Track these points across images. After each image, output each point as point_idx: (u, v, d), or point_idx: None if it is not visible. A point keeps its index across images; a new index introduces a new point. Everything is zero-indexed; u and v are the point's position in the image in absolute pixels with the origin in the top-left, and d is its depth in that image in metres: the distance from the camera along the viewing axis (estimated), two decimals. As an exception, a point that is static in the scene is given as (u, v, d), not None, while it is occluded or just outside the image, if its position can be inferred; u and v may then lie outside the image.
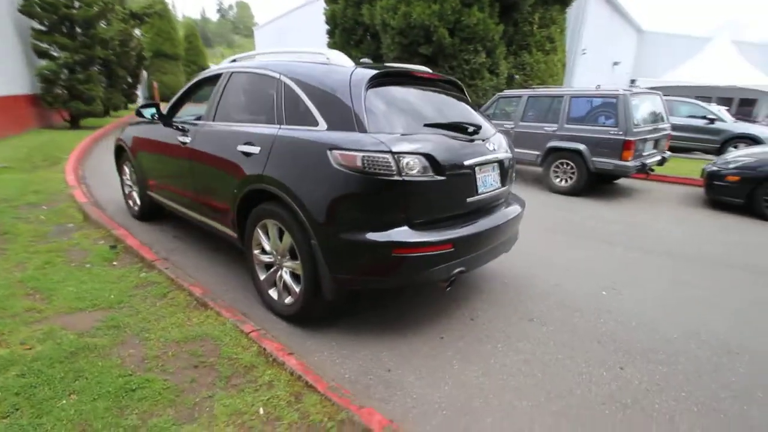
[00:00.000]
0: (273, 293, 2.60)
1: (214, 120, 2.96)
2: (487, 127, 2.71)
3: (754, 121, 12.55)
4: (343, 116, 2.17)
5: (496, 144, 2.61)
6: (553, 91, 6.23)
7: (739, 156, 5.37)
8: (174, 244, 3.73)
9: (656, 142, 5.95)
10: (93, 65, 11.17)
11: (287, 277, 2.45)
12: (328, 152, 2.08)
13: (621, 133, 5.35)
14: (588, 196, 6.02)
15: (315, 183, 2.15)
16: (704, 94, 14.82)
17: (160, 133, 3.55)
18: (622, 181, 7.05)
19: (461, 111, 2.68)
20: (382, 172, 2.01)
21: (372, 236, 2.06)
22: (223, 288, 2.90)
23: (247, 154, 2.49)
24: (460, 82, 2.96)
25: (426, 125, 2.29)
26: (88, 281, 2.84)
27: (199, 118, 3.87)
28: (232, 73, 2.95)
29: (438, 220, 2.22)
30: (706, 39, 18.17)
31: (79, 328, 2.26)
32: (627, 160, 5.37)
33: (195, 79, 3.42)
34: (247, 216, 2.63)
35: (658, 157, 5.98)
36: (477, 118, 2.74)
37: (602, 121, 5.62)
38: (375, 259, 2.11)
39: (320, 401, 1.75)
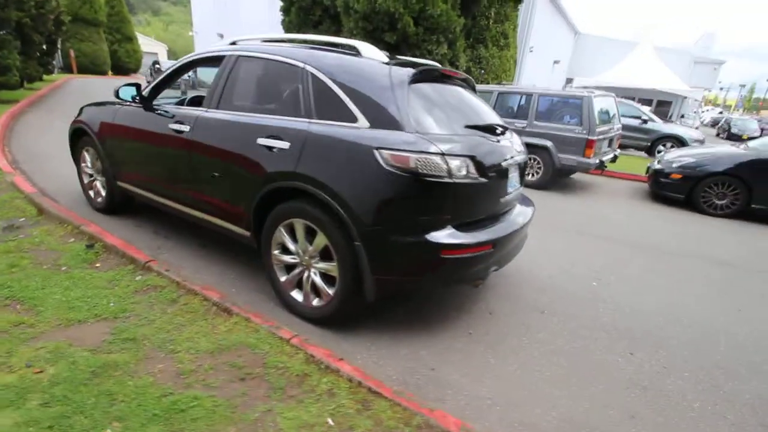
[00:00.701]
0: (296, 295, 2.50)
1: (218, 108, 2.72)
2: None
3: (670, 122, 14.19)
4: (387, 114, 2.11)
5: (516, 143, 2.70)
6: (522, 89, 6.53)
7: (680, 156, 6.08)
8: (157, 241, 3.40)
9: (610, 141, 6.53)
10: (5, 29, 9.57)
11: (317, 279, 2.36)
12: (376, 152, 2.02)
13: (585, 131, 5.79)
14: (552, 190, 6.46)
15: (361, 183, 2.08)
16: (629, 95, 16.41)
17: (139, 118, 3.19)
18: (577, 177, 7.66)
19: (483, 109, 2.73)
20: (433, 174, 2.00)
21: (421, 238, 2.05)
22: (230, 290, 2.72)
23: (271, 149, 2.34)
24: (473, 80, 3.00)
25: (466, 126, 2.31)
26: (73, 287, 2.52)
27: (182, 103, 3.55)
28: (240, 57, 2.71)
29: (478, 221, 2.27)
30: (633, 43, 20.05)
31: (88, 344, 2.01)
32: (589, 157, 5.84)
33: (186, 60, 3.10)
34: (264, 214, 2.48)
35: (611, 155, 6.57)
36: (497, 116, 2.81)
37: (567, 120, 6.03)
38: (422, 260, 2.11)
39: (390, 407, 1.74)
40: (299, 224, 2.34)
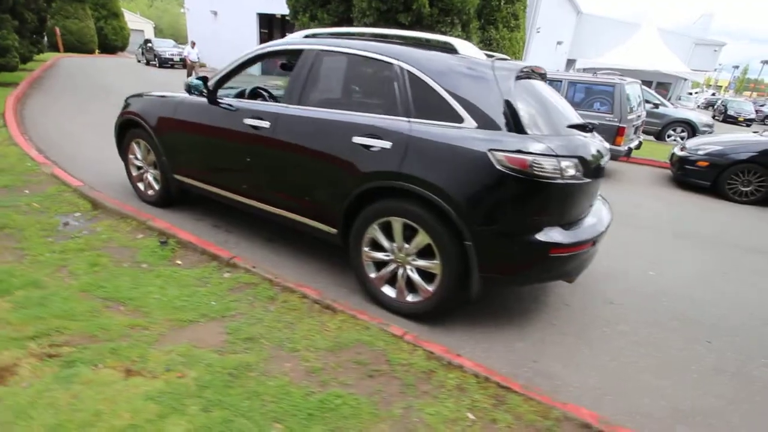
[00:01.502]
0: (388, 291, 2.55)
1: (299, 104, 2.69)
2: None
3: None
4: (495, 115, 2.13)
5: (601, 140, 2.74)
6: (552, 75, 6.51)
7: (706, 143, 6.20)
8: (221, 235, 3.40)
9: (636, 128, 6.61)
10: (3, 8, 9.11)
11: (415, 276, 2.42)
12: (490, 154, 2.05)
13: (616, 119, 5.85)
14: (578, 176, 6.55)
15: (472, 184, 2.11)
16: (631, 77, 16.47)
17: (206, 113, 3.13)
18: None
19: (567, 105, 2.76)
20: (547, 175, 2.04)
21: (532, 237, 2.11)
22: (315, 285, 2.76)
23: (369, 148, 2.34)
24: (546, 73, 3.00)
25: (569, 126, 2.34)
26: (166, 286, 2.53)
27: (241, 95, 3.48)
28: (321, 51, 2.67)
29: (578, 219, 2.33)
30: (634, 24, 19.98)
31: (211, 345, 2.04)
32: (620, 145, 5.92)
33: (255, 52, 3.02)
34: (353, 211, 2.51)
35: (637, 141, 6.66)
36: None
37: (597, 107, 6.07)
38: (531, 258, 2.18)
39: (524, 401, 1.83)
40: (397, 222, 2.37)
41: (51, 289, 2.35)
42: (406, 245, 2.39)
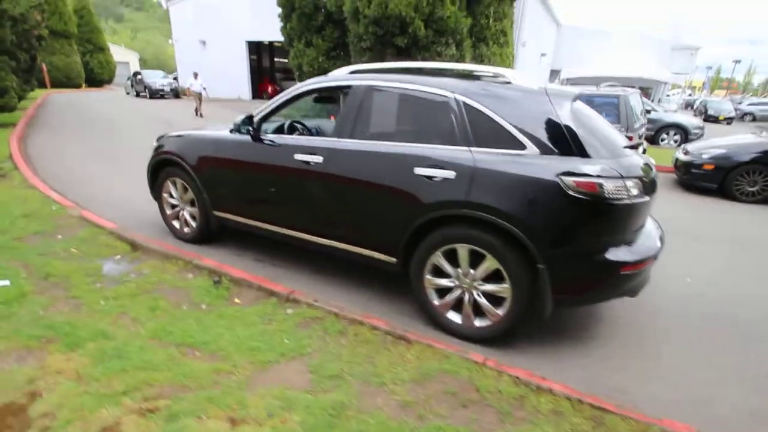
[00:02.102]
0: (453, 317, 2.59)
1: (352, 137, 2.76)
2: None
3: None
4: (558, 140, 2.22)
5: (647, 157, 2.85)
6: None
7: (708, 147, 6.44)
8: (267, 269, 3.40)
9: (640, 136, 6.83)
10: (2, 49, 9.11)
11: (483, 301, 2.46)
12: (559, 179, 2.13)
13: (623, 129, 6.05)
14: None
15: (543, 209, 2.19)
16: (614, 83, 17.05)
17: (251, 151, 3.18)
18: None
19: (609, 124, 2.88)
20: (615, 196, 2.13)
21: (603, 257, 2.18)
22: (375, 312, 2.77)
23: (431, 178, 2.41)
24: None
25: (625, 147, 2.45)
26: (232, 326, 2.52)
27: (280, 130, 3.53)
28: (372, 87, 2.76)
29: (637, 236, 2.42)
30: (612, 33, 20.76)
31: (300, 385, 2.04)
32: (628, 153, 6.11)
33: (300, 89, 3.09)
34: (413, 240, 2.56)
35: (642, 149, 6.87)
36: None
37: (604, 118, 6.26)
38: (602, 278, 2.24)
39: (621, 420, 1.86)
40: (463, 249, 2.42)
41: (121, 339, 2.33)
42: (472, 271, 2.44)
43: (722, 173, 6.01)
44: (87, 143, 8.39)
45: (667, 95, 26.22)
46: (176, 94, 21.63)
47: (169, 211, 3.95)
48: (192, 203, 3.73)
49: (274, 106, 3.17)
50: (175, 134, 3.80)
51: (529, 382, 2.07)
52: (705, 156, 6.23)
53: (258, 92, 23.50)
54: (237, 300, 2.86)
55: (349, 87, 2.85)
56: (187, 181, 3.64)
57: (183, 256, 3.35)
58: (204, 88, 14.84)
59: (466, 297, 2.51)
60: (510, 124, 2.31)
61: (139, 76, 21.83)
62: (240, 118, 3.13)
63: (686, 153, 6.61)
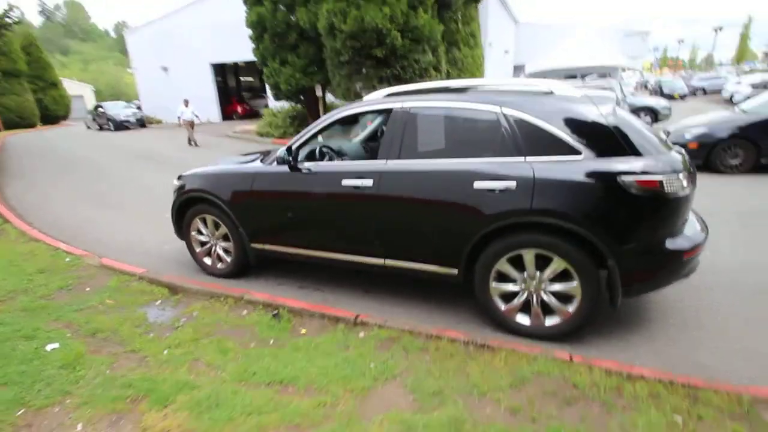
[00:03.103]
0: (521, 319, 2.69)
1: (399, 158, 2.83)
2: None
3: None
4: (610, 142, 2.37)
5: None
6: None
7: (689, 127, 6.89)
8: (316, 295, 3.40)
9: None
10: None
11: (552, 300, 2.57)
12: (620, 178, 2.28)
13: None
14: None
15: (607, 209, 2.33)
16: (576, 73, 17.85)
17: (287, 180, 3.19)
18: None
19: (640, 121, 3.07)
20: (672, 191, 2.29)
21: (668, 247, 2.35)
22: (438, 324, 2.84)
23: (492, 191, 2.51)
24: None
25: (668, 143, 2.63)
26: (312, 358, 2.52)
27: (311, 157, 3.55)
28: (414, 108, 2.84)
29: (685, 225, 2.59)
30: (567, 26, 21.76)
31: (408, 407, 2.08)
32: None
33: (338, 115, 3.13)
34: (477, 250, 2.65)
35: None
36: None
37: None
38: (667, 265, 2.40)
39: (714, 393, 2.00)
40: (529, 254, 2.53)
41: (209, 387, 2.29)
42: (538, 273, 2.56)
43: (706, 150, 6.45)
44: (70, 187, 8.03)
45: (621, 79, 27.57)
46: (142, 123, 20.98)
47: (198, 249, 3.88)
48: (225, 238, 3.68)
49: (310, 133, 3.20)
50: (200, 172, 3.76)
51: (620, 372, 2.19)
52: (687, 136, 6.66)
53: (227, 113, 23.15)
54: (303, 331, 2.86)
55: (389, 110, 2.92)
56: (219, 217, 3.59)
57: (231, 293, 3.31)
58: (196, 116, 13.99)
59: (534, 299, 2.62)
60: (562, 131, 2.44)
61: (100, 109, 21.03)
62: (281, 150, 3.13)
63: (668, 134, 7.04)
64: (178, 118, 13.50)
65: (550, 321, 2.62)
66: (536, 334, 2.65)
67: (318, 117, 13.76)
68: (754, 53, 56.86)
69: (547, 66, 18.64)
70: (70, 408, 2.19)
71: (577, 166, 2.38)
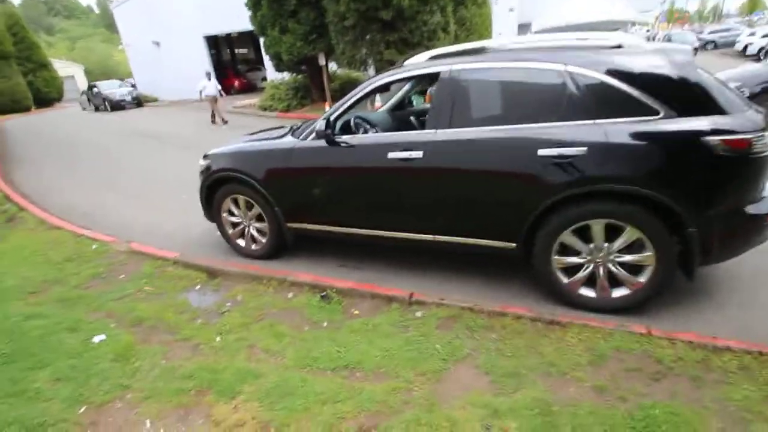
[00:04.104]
0: (586, 292, 2.58)
1: (451, 127, 2.63)
2: None
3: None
4: (692, 99, 2.17)
5: None
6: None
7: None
8: (357, 274, 3.27)
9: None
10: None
11: (620, 272, 2.44)
12: (705, 139, 2.10)
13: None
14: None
15: (691, 172, 2.16)
16: (589, 29, 17.11)
17: (327, 155, 3.01)
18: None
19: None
20: (758, 150, 2.11)
21: (750, 211, 2.20)
22: (493, 301, 2.74)
23: (559, 158, 2.33)
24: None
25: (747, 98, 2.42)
26: (372, 340, 2.43)
27: (346, 130, 3.34)
28: (466, 71, 2.61)
29: None
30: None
31: (486, 389, 2.00)
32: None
33: (377, 82, 2.90)
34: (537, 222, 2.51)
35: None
36: None
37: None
38: (750, 231, 2.26)
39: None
40: (598, 224, 2.38)
41: (273, 375, 2.20)
42: (606, 244, 2.42)
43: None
44: (80, 172, 7.81)
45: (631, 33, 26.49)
46: (139, 102, 20.40)
47: (231, 230, 3.74)
48: (259, 218, 3.54)
49: (348, 104, 2.99)
50: (227, 150, 3.56)
51: (703, 344, 2.09)
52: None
53: (224, 88, 22.42)
54: (356, 312, 2.76)
55: (437, 74, 2.69)
56: (252, 196, 3.43)
57: (274, 276, 3.20)
58: (220, 91, 12.53)
59: (601, 270, 2.50)
60: (636, 90, 2.23)
61: (95, 89, 20.41)
62: (320, 123, 2.92)
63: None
64: (200, 92, 12.14)
65: (618, 293, 2.51)
66: (602, 306, 2.55)
67: (322, 87, 13.33)
68: (764, 2, 54.52)
69: (555, 22, 17.84)
70: (134, 403, 2.12)
71: (656, 126, 2.19)
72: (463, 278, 3.07)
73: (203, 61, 21.20)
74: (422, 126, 4.16)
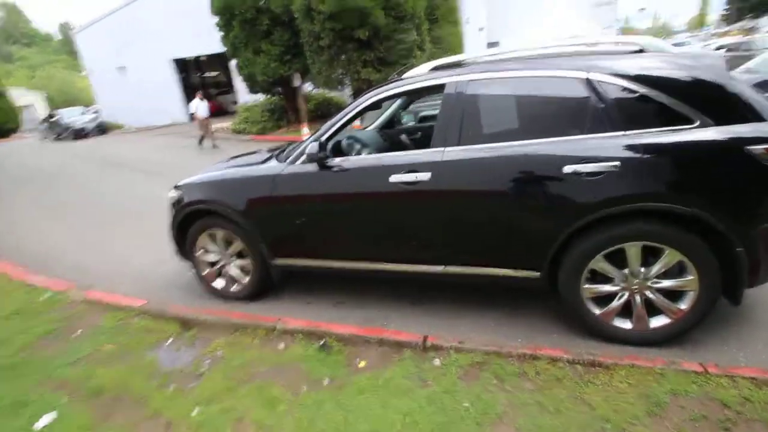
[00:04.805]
0: (620, 323, 2.29)
1: (460, 144, 2.34)
2: None
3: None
4: (728, 106, 1.96)
5: None
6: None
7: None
8: (357, 314, 2.90)
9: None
10: None
11: (660, 299, 2.17)
12: (748, 148, 1.87)
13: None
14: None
15: (733, 186, 1.93)
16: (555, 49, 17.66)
17: (318, 181, 2.66)
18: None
19: None
20: (809, 158, 1.91)
21: (801, 224, 1.97)
22: (511, 335, 2.41)
23: (588, 174, 2.06)
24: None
25: None
26: (386, 401, 2.04)
27: (345, 152, 3.01)
28: (471, 83, 2.34)
29: None
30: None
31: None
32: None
33: (374, 96, 2.59)
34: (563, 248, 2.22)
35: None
36: None
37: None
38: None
39: None
40: (634, 247, 2.11)
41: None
42: (642, 269, 2.15)
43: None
44: (35, 206, 7.13)
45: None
46: (102, 129, 19.53)
47: (206, 270, 3.29)
48: (240, 255, 3.12)
49: (340, 122, 2.66)
50: (200, 180, 3.15)
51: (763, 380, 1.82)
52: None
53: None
54: (362, 363, 2.36)
55: (442, 86, 2.41)
56: (232, 230, 3.02)
57: (261, 323, 2.76)
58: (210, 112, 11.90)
59: (637, 298, 2.22)
60: (669, 97, 2.00)
61: (55, 118, 19.43)
62: (311, 145, 2.56)
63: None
64: (191, 115, 11.53)
65: (657, 322, 2.23)
66: (638, 338, 2.26)
67: (296, 108, 13.02)
68: (708, 19, 58.67)
69: (523, 43, 18.35)
70: None
71: (693, 136, 1.95)
72: (476, 312, 2.73)
73: (172, 85, 20.66)
74: (416, 145, 3.96)
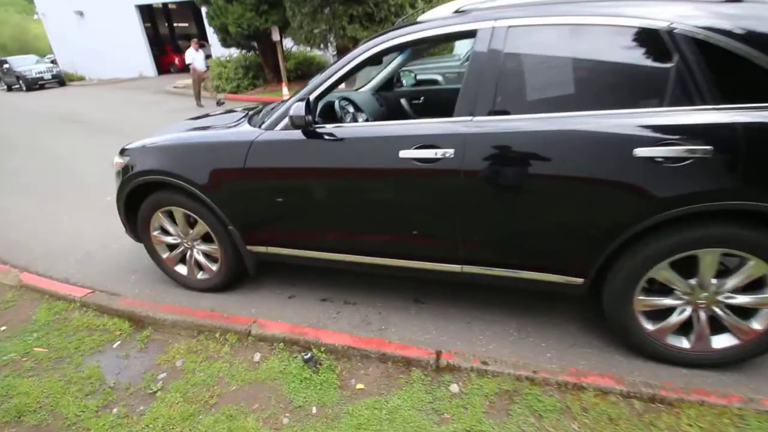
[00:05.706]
0: (675, 341, 1.88)
1: (493, 113, 1.79)
2: None
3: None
4: None
5: None
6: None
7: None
8: (350, 312, 2.42)
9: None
10: None
11: (731, 317, 1.75)
12: None
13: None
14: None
15: None
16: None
17: (298, 151, 2.08)
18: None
19: None
20: None
21: None
22: (554, 354, 1.99)
23: (668, 161, 1.57)
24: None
25: None
26: (397, 427, 1.59)
27: (339, 117, 2.43)
28: (511, 29, 1.76)
29: None
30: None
31: None
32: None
33: (378, 46, 1.97)
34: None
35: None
36: None
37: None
38: None
39: None
40: (709, 256, 1.66)
41: None
42: (714, 281, 1.72)
43: None
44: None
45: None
46: (61, 81, 17.80)
47: (166, 254, 2.71)
48: (206, 238, 2.54)
49: (334, 78, 2.04)
50: (156, 143, 2.50)
51: None
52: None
53: (163, 66, 20.10)
54: (360, 386, 1.88)
55: (473, 33, 1.82)
56: (193, 209, 2.43)
57: (231, 326, 2.23)
58: (207, 65, 10.30)
59: (702, 315, 1.80)
60: (781, 60, 1.50)
61: (6, 66, 17.50)
62: (295, 106, 1.94)
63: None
64: (189, 65, 9.88)
65: (720, 343, 1.83)
66: (692, 360, 1.87)
67: (276, 67, 11.97)
68: None
69: None
70: None
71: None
72: (491, 315, 2.29)
73: (137, 34, 18.88)
74: (417, 113, 3.36)
